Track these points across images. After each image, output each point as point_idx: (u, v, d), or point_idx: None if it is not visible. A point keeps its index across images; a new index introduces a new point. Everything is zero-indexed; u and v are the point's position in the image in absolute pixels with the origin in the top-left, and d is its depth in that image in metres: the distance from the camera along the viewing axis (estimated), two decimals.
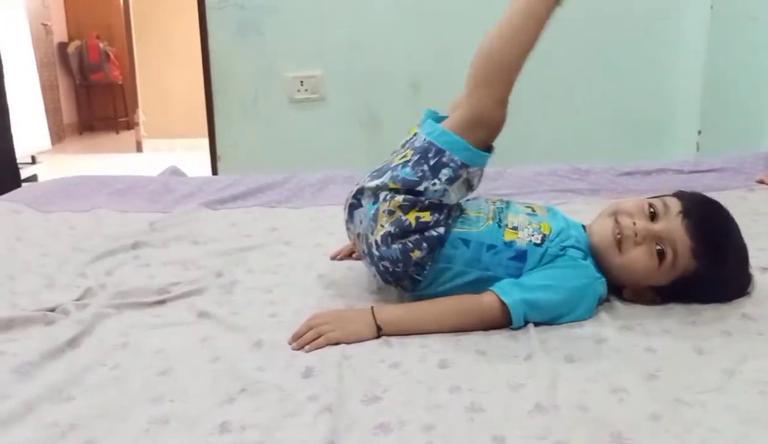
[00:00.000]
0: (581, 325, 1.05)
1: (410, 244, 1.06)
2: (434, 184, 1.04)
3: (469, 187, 1.10)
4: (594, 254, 1.13)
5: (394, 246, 1.06)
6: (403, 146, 1.15)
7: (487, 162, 1.09)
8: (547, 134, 2.81)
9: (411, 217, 1.05)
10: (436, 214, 1.06)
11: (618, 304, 1.12)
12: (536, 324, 1.04)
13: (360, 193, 1.12)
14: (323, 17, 2.66)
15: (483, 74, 1.07)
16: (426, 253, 1.06)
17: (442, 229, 1.06)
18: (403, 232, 1.05)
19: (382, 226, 1.07)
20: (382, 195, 1.08)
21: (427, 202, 1.05)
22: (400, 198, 1.05)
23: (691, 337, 1.00)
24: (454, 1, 2.67)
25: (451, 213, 1.08)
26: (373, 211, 1.08)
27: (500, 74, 1.06)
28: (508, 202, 1.19)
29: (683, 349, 0.96)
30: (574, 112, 2.81)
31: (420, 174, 1.05)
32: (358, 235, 1.14)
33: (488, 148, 1.09)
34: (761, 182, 1.85)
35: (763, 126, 2.53)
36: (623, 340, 0.99)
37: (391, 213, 1.06)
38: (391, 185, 1.07)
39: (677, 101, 2.79)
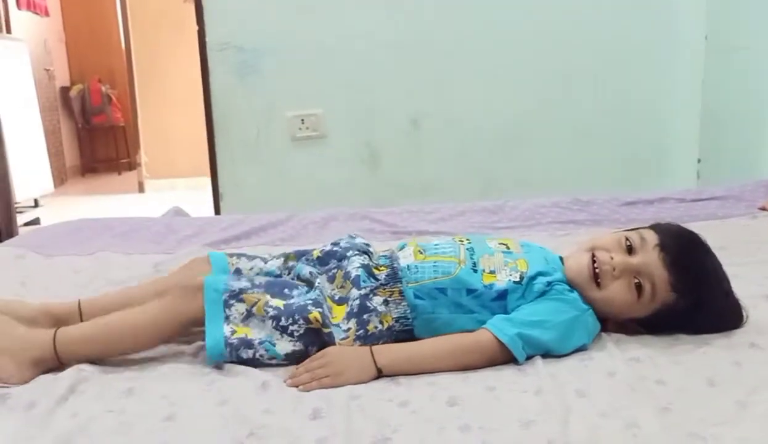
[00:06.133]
0: (590, 357, 1.04)
1: (360, 329, 1.07)
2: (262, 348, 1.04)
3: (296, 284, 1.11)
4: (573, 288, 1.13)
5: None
6: None
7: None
8: (548, 166, 2.82)
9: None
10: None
11: (623, 337, 1.11)
12: (543, 356, 1.04)
13: None
14: (323, 57, 2.70)
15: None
16: (378, 313, 1.08)
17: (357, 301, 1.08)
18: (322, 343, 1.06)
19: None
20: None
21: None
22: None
23: (701, 369, 0.99)
24: (452, 37, 2.71)
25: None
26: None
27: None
28: (478, 240, 1.19)
29: (694, 381, 0.95)
30: (574, 143, 2.82)
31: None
32: None
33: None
34: (763, 209, 1.85)
35: (761, 153, 2.55)
36: (633, 372, 0.98)
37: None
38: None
39: (676, 130, 2.81)
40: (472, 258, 1.13)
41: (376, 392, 0.96)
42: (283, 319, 1.05)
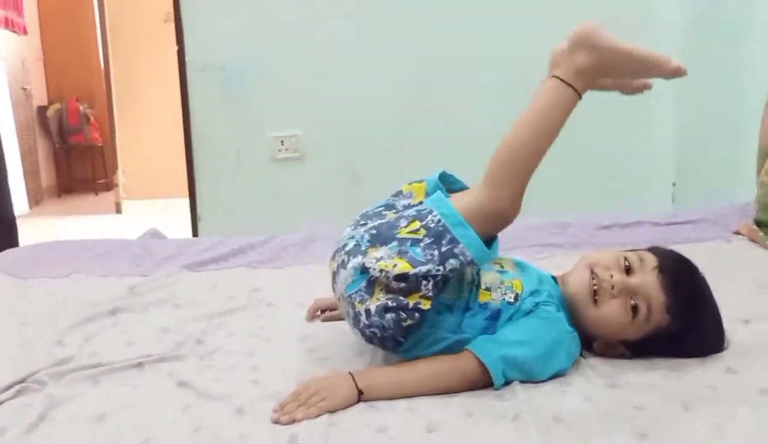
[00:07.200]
0: (567, 382, 1.04)
1: (404, 315, 1.03)
2: (438, 270, 1.01)
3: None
4: (568, 305, 1.13)
5: (388, 316, 1.04)
6: (405, 207, 1.14)
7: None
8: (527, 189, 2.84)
9: (411, 300, 1.03)
10: (432, 294, 1.03)
11: (601, 362, 1.11)
12: (522, 382, 1.03)
13: (352, 253, 1.09)
14: (303, 78, 2.71)
15: (506, 172, 1.06)
16: (416, 322, 1.04)
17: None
18: (400, 308, 1.04)
19: (378, 299, 1.04)
20: (377, 269, 1.04)
21: (425, 287, 1.02)
22: (401, 285, 1.02)
23: (677, 393, 0.99)
24: (434, 55, 2.71)
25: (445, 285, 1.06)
26: (363, 283, 1.05)
27: (522, 172, 1.07)
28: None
29: (671, 406, 0.95)
30: (551, 166, 2.84)
31: (429, 257, 1.02)
32: (341, 296, 1.12)
33: (492, 240, 1.08)
34: (737, 233, 1.87)
35: (735, 177, 2.59)
36: (610, 397, 0.98)
37: (389, 290, 1.04)
38: (397, 260, 1.03)
39: (652, 154, 2.84)
40: (476, 277, 1.12)
41: (354, 418, 0.95)
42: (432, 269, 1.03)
